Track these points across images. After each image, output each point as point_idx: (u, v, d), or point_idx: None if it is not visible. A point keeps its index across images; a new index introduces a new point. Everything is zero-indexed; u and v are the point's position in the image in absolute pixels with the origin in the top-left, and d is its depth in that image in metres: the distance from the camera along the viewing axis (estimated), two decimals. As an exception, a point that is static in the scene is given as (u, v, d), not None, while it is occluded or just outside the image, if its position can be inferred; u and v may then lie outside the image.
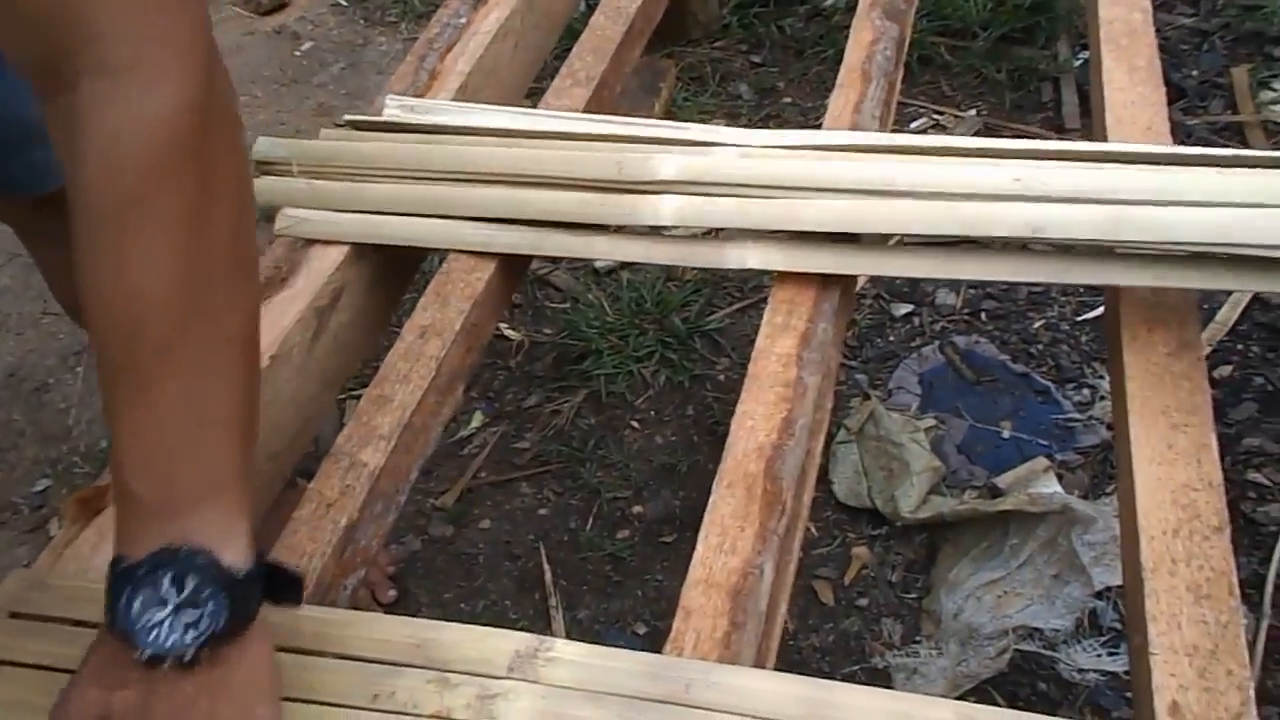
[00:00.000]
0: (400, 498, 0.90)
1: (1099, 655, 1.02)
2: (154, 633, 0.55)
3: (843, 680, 1.06)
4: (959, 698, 1.02)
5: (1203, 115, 1.68)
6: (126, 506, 0.57)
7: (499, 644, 0.69)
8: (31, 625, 0.74)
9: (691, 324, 1.38)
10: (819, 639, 1.09)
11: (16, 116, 0.96)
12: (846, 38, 1.18)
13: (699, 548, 0.72)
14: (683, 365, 1.34)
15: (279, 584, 0.63)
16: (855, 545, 1.15)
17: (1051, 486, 1.15)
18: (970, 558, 1.10)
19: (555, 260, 1.45)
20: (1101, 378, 1.31)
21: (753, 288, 1.46)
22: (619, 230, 0.96)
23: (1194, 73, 1.75)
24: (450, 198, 1.01)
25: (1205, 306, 1.36)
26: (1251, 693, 0.64)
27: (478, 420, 1.36)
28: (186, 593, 0.55)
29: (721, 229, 0.93)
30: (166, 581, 0.55)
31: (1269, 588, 1.08)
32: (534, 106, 1.22)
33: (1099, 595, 1.07)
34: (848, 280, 0.93)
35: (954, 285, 1.44)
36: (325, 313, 1.05)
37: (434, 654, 0.69)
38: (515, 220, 0.99)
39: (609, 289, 1.44)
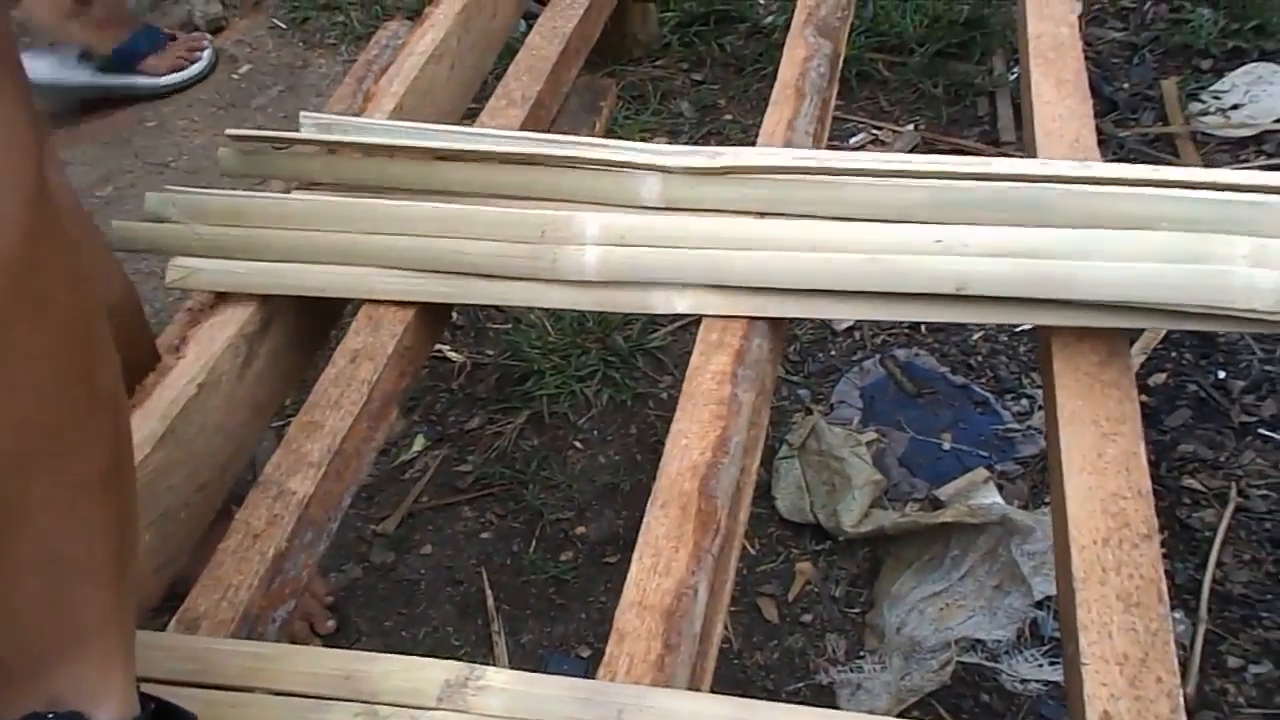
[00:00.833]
0: (332, 526, 0.89)
1: (1040, 665, 1.02)
2: None
3: (787, 697, 1.06)
4: (902, 712, 1.02)
5: (1134, 127, 1.71)
6: None
7: (429, 674, 0.68)
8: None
9: (634, 342, 1.37)
10: (763, 656, 1.09)
11: None
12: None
13: (632, 569, 0.71)
14: (625, 384, 1.33)
15: None
16: (799, 561, 1.15)
17: (991, 497, 1.16)
18: (912, 570, 1.10)
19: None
20: (1039, 388, 1.32)
21: (696, 305, 1.45)
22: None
23: (1125, 85, 1.78)
24: (363, 247, 0.98)
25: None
26: (1181, 700, 0.64)
27: (420, 444, 1.35)
28: None
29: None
30: None
31: (1205, 593, 1.10)
32: (470, 127, 1.21)
33: (1039, 605, 1.07)
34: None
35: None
36: (256, 339, 1.03)
37: (363, 686, 0.68)
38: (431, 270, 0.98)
39: (550, 311, 1.43)
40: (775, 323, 0.90)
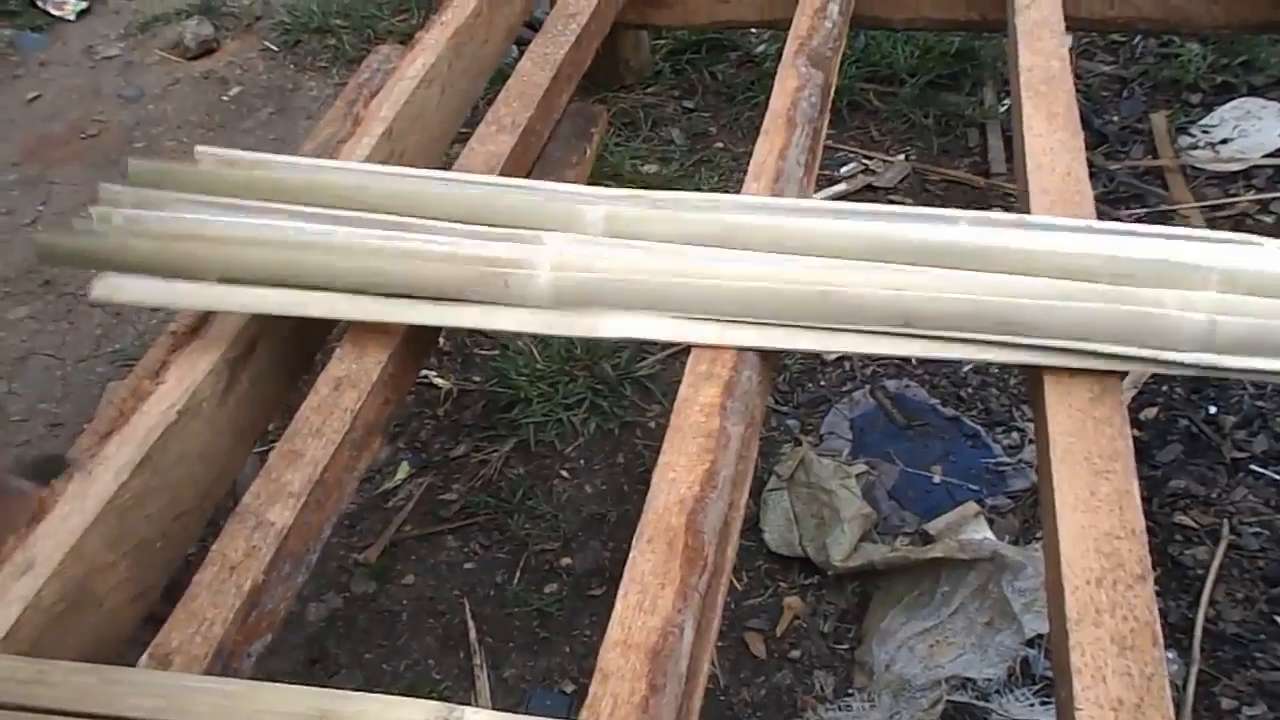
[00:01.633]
0: (312, 557, 0.87)
1: (1031, 705, 1.01)
2: None
3: (775, 736, 1.04)
4: (892, 752, 1.00)
5: (1124, 160, 1.71)
6: None
7: (407, 714, 0.66)
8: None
9: (622, 370, 1.36)
10: (750, 693, 1.07)
11: None
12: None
13: (618, 606, 0.69)
14: (613, 413, 1.32)
15: None
16: (787, 595, 1.14)
17: (982, 532, 1.15)
18: (902, 606, 1.08)
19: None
20: (1031, 421, 1.31)
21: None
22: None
23: (1115, 118, 1.79)
24: (301, 265, 0.97)
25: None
26: (1176, 747, 0.63)
27: (404, 471, 1.33)
28: None
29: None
30: None
31: (1198, 632, 1.08)
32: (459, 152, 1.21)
33: (1030, 643, 1.06)
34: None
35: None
36: (239, 364, 1.02)
37: (338, 726, 0.66)
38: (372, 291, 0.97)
39: (538, 337, 1.42)
40: (765, 354, 0.89)
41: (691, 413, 0.82)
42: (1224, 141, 1.72)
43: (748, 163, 1.08)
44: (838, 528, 1.15)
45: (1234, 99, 1.77)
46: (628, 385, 1.36)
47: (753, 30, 2.00)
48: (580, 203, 1.00)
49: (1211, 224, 1.54)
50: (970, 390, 1.37)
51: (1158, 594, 0.87)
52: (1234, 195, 1.63)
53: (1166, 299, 0.83)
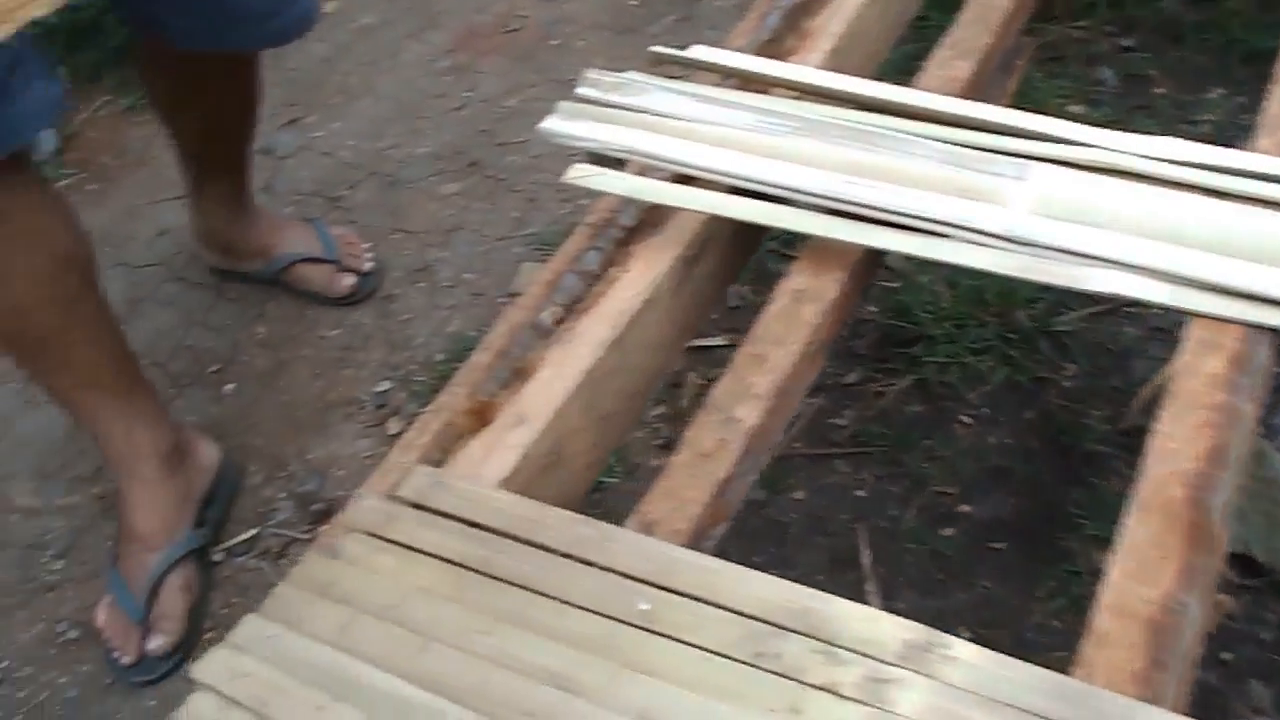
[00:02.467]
0: (764, 459, 0.90)
1: None
2: None
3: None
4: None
5: None
6: None
7: (889, 628, 0.68)
8: (432, 519, 0.79)
9: (1038, 322, 1.31)
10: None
11: None
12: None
13: (1113, 573, 0.67)
14: (1024, 365, 1.27)
15: None
16: (1220, 591, 1.06)
17: None
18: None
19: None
20: None
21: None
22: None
23: None
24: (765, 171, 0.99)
25: None
26: None
27: (795, 389, 1.35)
28: None
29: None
30: None
31: None
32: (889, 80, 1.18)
33: None
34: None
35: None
36: (692, 262, 1.06)
37: (817, 624, 0.69)
38: (844, 212, 0.96)
39: (945, 273, 1.39)
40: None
41: (1193, 383, 0.78)
42: None
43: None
44: (1283, 529, 1.06)
45: None
46: (1042, 339, 1.30)
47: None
48: (1065, 137, 0.95)
49: None
50: None
51: None
52: None
53: None
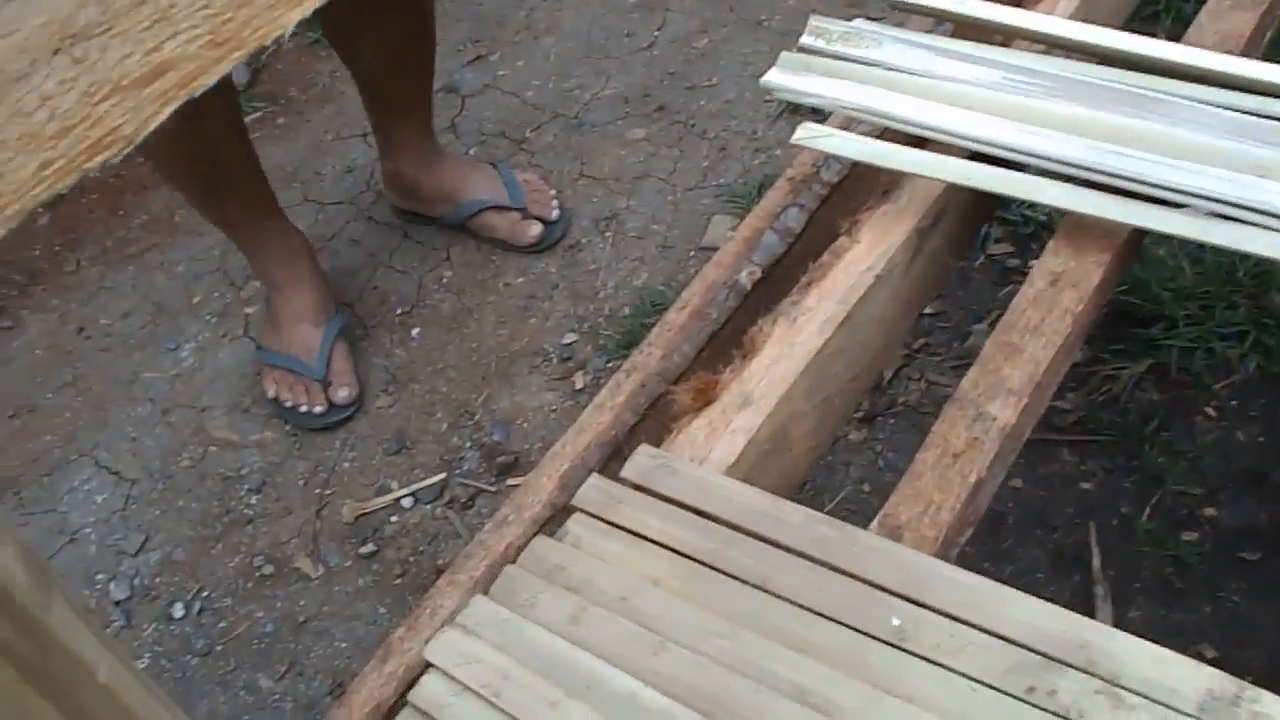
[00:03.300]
0: (1011, 459, 0.83)
1: None
2: None
3: None
4: None
5: None
6: None
7: (1185, 674, 0.60)
8: (658, 504, 0.75)
9: (1297, 308, 1.18)
10: None
11: None
12: None
13: None
14: (1280, 355, 1.15)
15: None
16: None
17: None
18: None
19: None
20: None
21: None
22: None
23: None
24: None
25: None
26: None
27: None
28: None
29: None
30: None
31: None
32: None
33: None
34: None
35: None
36: (925, 235, 0.98)
37: (1098, 660, 0.62)
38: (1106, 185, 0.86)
39: (1189, 247, 1.26)
40: None
41: None
42: None
43: None
44: None
45: None
46: (1303, 326, 1.18)
47: None
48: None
49: None
50: None
51: None
52: None
53: None
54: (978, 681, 0.62)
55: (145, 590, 1.38)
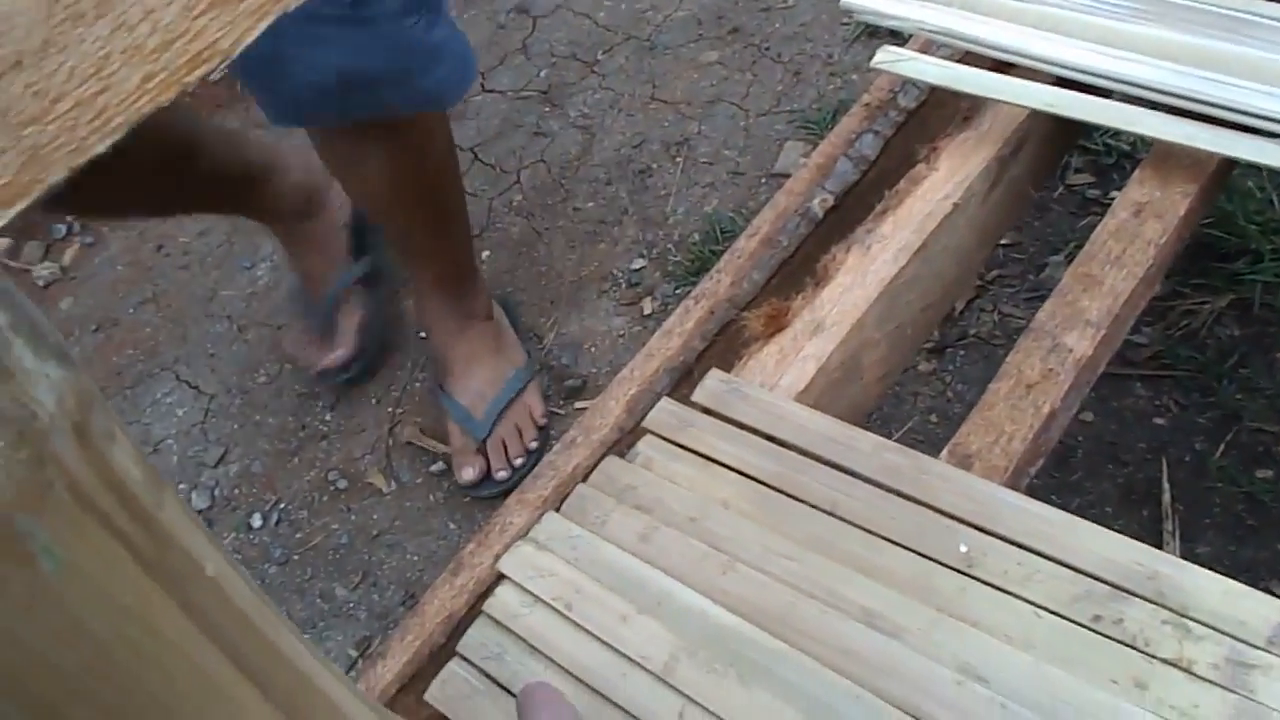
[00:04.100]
0: (1086, 391, 0.82)
1: None
2: None
3: None
4: None
5: None
6: None
7: (1257, 607, 0.60)
8: (728, 428, 0.76)
9: (1395, 243, 1.13)
10: None
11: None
12: None
13: None
14: (1374, 292, 1.11)
15: None
16: None
17: None
18: None
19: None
20: None
21: None
22: None
23: None
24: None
25: None
26: None
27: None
28: None
29: None
30: None
31: None
32: None
33: None
34: None
35: None
36: (1006, 163, 0.96)
37: (1167, 592, 0.62)
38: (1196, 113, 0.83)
39: (1277, 180, 1.22)
40: None
41: None
42: None
43: None
44: None
45: None
46: (1398, 263, 1.13)
47: None
48: None
49: None
50: None
51: None
52: None
53: None
54: (1043, 609, 0.62)
55: (225, 500, 1.44)
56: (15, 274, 1.77)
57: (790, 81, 1.64)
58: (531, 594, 0.69)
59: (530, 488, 0.78)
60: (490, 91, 1.79)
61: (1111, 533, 0.65)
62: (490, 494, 1.32)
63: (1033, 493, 1.09)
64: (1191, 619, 0.60)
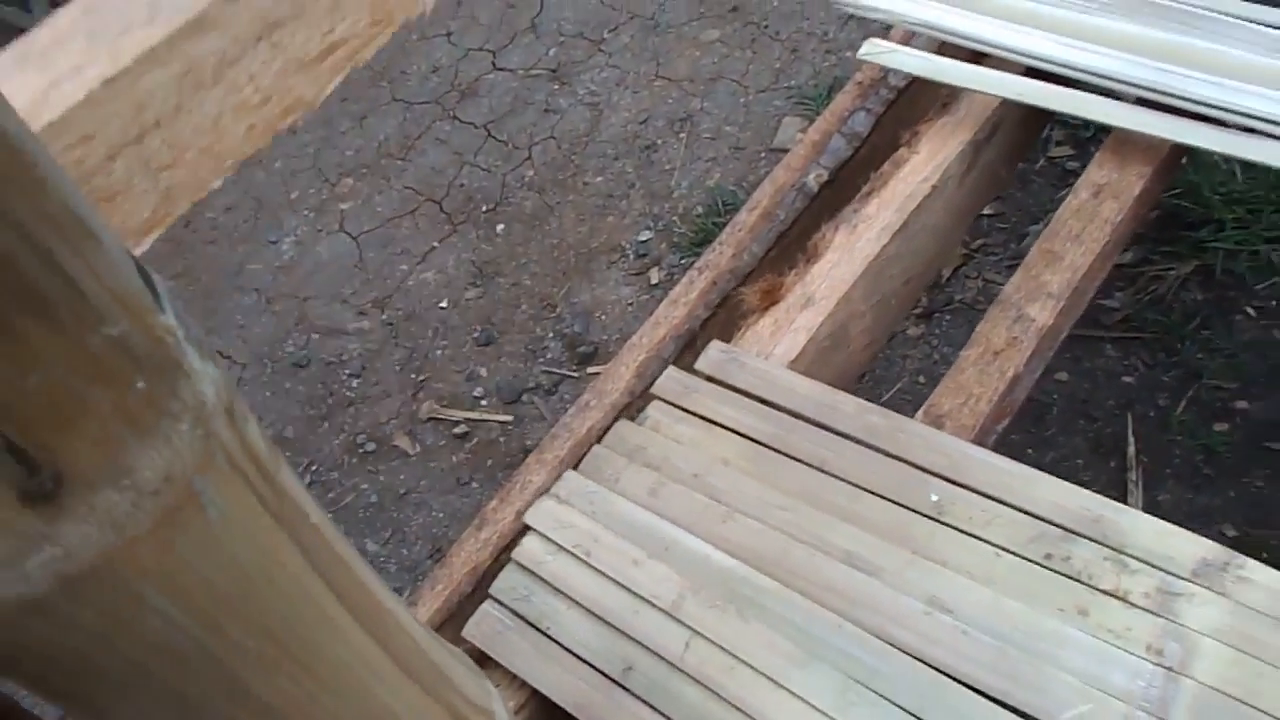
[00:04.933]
0: (1048, 356, 0.91)
1: None
2: None
3: None
4: None
5: None
6: None
7: (1182, 545, 0.69)
8: (728, 394, 0.85)
9: (1347, 212, 1.22)
10: None
11: None
12: None
13: None
14: (1325, 258, 1.20)
15: None
16: None
17: None
18: None
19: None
20: None
21: None
22: None
23: None
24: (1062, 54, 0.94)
25: None
26: None
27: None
28: None
29: None
30: None
31: None
32: None
33: None
34: None
35: None
36: (980, 147, 1.05)
37: (1110, 533, 0.71)
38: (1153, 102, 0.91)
39: (1246, 151, 1.29)
40: None
41: None
42: None
43: None
44: None
45: None
46: (1351, 231, 1.22)
47: None
48: None
49: None
50: None
51: None
52: None
53: None
54: (1003, 549, 0.72)
55: (262, 463, 1.54)
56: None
57: (788, 58, 1.71)
58: (555, 543, 0.79)
59: (548, 448, 0.87)
60: (501, 70, 1.87)
61: (1064, 482, 0.75)
62: None
63: (1009, 446, 1.18)
64: (1129, 555, 0.70)
